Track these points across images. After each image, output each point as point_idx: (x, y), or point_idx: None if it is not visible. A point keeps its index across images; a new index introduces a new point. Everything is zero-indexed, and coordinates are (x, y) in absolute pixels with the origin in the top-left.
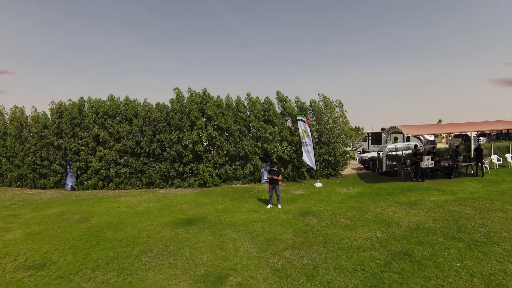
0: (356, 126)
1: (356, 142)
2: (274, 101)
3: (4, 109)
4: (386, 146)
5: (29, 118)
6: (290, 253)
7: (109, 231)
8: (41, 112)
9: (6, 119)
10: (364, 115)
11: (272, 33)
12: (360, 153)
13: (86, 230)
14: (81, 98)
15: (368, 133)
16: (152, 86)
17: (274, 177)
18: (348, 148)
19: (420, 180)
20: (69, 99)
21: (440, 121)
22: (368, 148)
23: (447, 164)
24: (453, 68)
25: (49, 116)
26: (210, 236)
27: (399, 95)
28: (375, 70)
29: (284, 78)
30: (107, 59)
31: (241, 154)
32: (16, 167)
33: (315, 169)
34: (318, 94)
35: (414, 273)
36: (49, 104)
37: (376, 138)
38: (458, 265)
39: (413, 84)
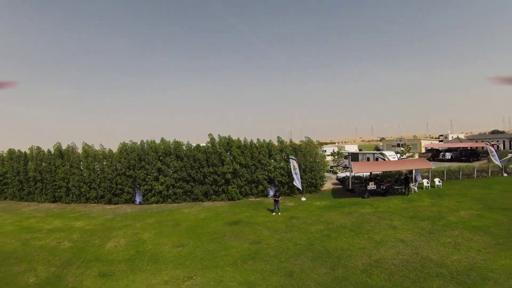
0: (337, 151)
1: (338, 161)
2: (275, 141)
3: (75, 145)
4: None
5: (100, 154)
6: (283, 234)
7: (197, 229)
8: (108, 149)
9: (79, 153)
10: (363, 116)
11: (271, 31)
12: (343, 168)
13: (185, 229)
14: (142, 140)
15: (349, 153)
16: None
17: (277, 198)
18: (329, 158)
19: (367, 197)
20: (130, 140)
21: (415, 136)
22: (349, 165)
23: (384, 187)
24: (451, 67)
25: (114, 152)
26: (249, 229)
27: (399, 95)
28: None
29: (283, 77)
30: (109, 60)
31: (255, 179)
32: (93, 189)
33: (301, 189)
34: (305, 137)
35: (326, 240)
36: (118, 145)
37: (354, 157)
38: (344, 240)
39: (412, 84)
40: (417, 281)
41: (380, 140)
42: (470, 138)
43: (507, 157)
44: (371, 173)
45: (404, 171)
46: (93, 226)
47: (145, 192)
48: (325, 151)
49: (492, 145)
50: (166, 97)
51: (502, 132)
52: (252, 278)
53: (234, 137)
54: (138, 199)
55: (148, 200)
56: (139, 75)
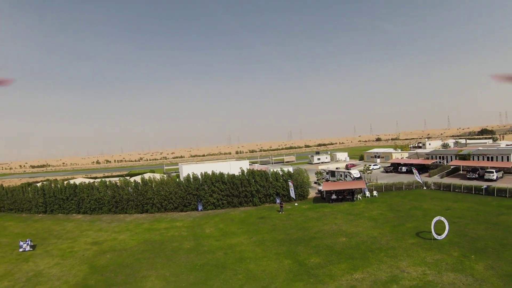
0: (319, 170)
1: (321, 177)
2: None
3: (154, 176)
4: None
5: (172, 181)
6: (285, 221)
7: (244, 221)
8: (179, 179)
9: (158, 179)
10: (362, 114)
11: (270, 33)
12: (326, 181)
13: (238, 222)
14: (201, 173)
15: (329, 171)
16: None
17: (281, 204)
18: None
19: (331, 203)
20: (193, 172)
21: (396, 147)
22: (330, 179)
23: (341, 197)
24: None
25: (182, 179)
26: (269, 220)
27: (397, 92)
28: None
29: (283, 78)
30: (106, 65)
31: (268, 193)
32: (170, 203)
33: (295, 198)
34: (297, 168)
35: (304, 223)
36: (185, 175)
37: (332, 174)
38: (311, 223)
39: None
40: (332, 235)
41: (376, 140)
42: (427, 153)
43: (445, 171)
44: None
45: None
46: (188, 224)
47: (204, 203)
48: (319, 158)
49: (417, 169)
50: (163, 101)
51: (491, 131)
52: (274, 236)
53: (235, 138)
54: (200, 207)
55: (206, 208)
56: (141, 81)
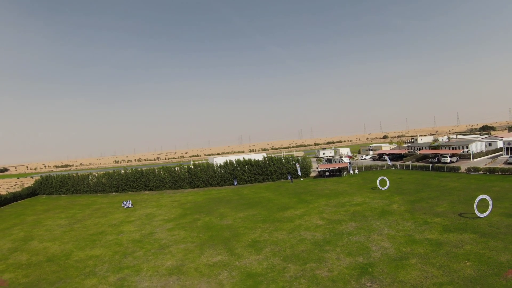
0: (319, 158)
1: (321, 162)
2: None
3: (202, 162)
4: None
5: (214, 165)
6: (294, 187)
7: (268, 188)
8: (217, 163)
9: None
10: (372, 112)
11: (281, 34)
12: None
13: (265, 189)
14: (235, 159)
15: (327, 158)
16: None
17: (291, 178)
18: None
19: (325, 177)
20: (229, 159)
21: (391, 142)
22: (329, 163)
23: (331, 173)
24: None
25: (220, 163)
26: (284, 188)
27: (408, 90)
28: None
29: (294, 78)
30: (120, 70)
31: (282, 172)
32: (214, 180)
33: (300, 175)
34: (303, 155)
35: (307, 187)
36: (223, 160)
37: (329, 160)
38: (310, 187)
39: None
40: (321, 190)
41: (383, 137)
42: (408, 146)
43: (415, 158)
44: (329, 168)
45: (339, 167)
46: (230, 191)
47: (238, 180)
48: (325, 153)
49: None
50: (174, 103)
51: (491, 127)
52: (287, 192)
53: (246, 138)
54: (235, 182)
55: (239, 183)
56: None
